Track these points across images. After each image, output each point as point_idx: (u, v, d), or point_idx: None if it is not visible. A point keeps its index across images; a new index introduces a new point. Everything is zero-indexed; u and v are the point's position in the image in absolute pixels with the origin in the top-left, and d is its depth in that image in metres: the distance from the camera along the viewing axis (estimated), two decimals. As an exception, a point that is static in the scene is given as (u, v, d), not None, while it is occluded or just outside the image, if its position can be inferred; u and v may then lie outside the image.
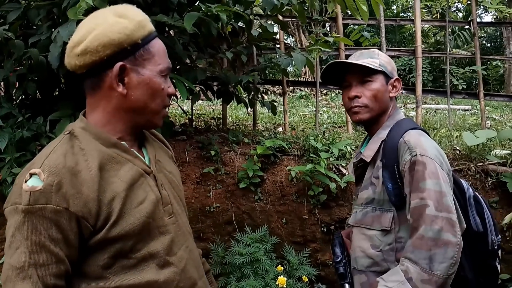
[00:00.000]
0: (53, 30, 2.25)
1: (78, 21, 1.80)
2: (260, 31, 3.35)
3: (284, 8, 2.83)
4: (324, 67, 1.55)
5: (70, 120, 2.30)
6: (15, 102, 2.71)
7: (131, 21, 1.02)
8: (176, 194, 1.18)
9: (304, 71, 9.41)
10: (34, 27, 2.56)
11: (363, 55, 1.51)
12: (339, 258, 1.56)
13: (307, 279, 2.58)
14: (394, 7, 14.48)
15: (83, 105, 2.39)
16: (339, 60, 1.52)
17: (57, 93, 2.79)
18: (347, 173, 2.89)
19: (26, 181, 0.94)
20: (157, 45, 1.08)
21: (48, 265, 0.93)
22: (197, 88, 3.08)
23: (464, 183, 1.49)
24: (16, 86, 2.55)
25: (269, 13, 2.98)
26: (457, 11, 14.65)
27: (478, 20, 4.20)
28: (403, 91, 4.31)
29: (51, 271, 0.93)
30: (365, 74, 1.46)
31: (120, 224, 0.99)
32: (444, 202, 1.28)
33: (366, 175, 1.51)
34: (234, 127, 3.88)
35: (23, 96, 2.72)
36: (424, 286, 1.22)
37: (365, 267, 1.43)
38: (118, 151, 1.05)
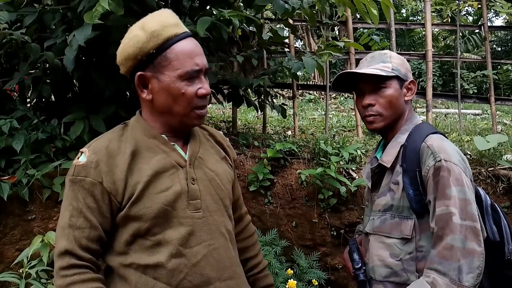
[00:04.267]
0: (67, 34, 2.29)
1: (94, 25, 1.85)
2: (271, 34, 3.37)
3: (295, 12, 2.85)
4: (335, 77, 1.49)
5: (83, 123, 2.33)
6: (29, 105, 2.75)
7: (145, 33, 1.09)
8: (215, 193, 1.22)
9: (313, 74, 9.42)
10: (47, 30, 2.60)
11: (375, 59, 1.45)
12: (359, 265, 1.48)
13: (317, 283, 2.58)
14: (403, 10, 14.43)
15: (96, 107, 2.45)
16: (349, 70, 1.46)
17: (70, 95, 2.83)
18: (357, 177, 2.89)
19: (78, 158, 1.13)
20: (177, 49, 1.10)
21: (83, 228, 1.09)
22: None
23: (481, 190, 1.44)
24: (31, 89, 2.60)
25: (279, 17, 3.00)
26: (467, 15, 14.57)
27: (489, 24, 4.18)
28: (413, 95, 4.29)
29: (85, 234, 1.09)
30: (378, 81, 1.40)
31: (138, 205, 1.10)
32: (469, 211, 1.23)
33: (383, 181, 1.44)
34: (244, 130, 3.90)
35: (37, 99, 2.76)
36: None
37: (383, 277, 1.38)
38: (157, 142, 1.17)
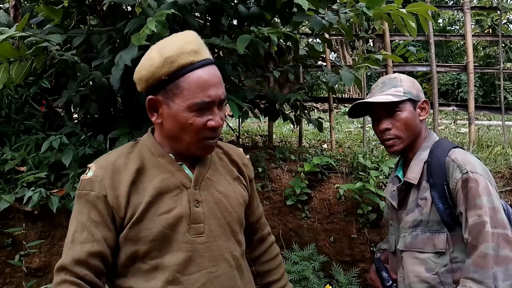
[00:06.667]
0: (113, 54, 2.40)
1: (140, 46, 1.93)
2: (307, 49, 3.39)
3: (332, 27, 2.86)
4: (350, 107, 1.57)
5: (128, 138, 2.41)
6: (76, 121, 2.88)
7: (160, 57, 1.04)
8: (221, 216, 1.15)
9: (348, 87, 9.35)
10: (94, 50, 2.73)
11: (386, 85, 1.51)
12: (390, 282, 1.53)
13: (356, 300, 2.54)
14: (440, 20, 14.12)
15: (139, 123, 2.53)
16: (363, 100, 1.53)
17: (113, 112, 2.94)
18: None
19: (86, 173, 1.13)
20: (190, 79, 1.04)
21: (86, 243, 1.06)
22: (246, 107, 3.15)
23: (502, 201, 1.46)
24: (78, 106, 2.72)
25: (317, 32, 3.02)
26: (508, 23, 14.08)
27: (533, 33, 4.03)
28: (454, 108, 4.18)
29: (87, 248, 1.05)
30: (392, 106, 1.46)
31: (139, 226, 1.07)
32: (499, 218, 1.28)
33: (410, 197, 1.48)
34: (280, 144, 3.91)
35: (83, 115, 2.88)
36: None
37: None
38: (163, 161, 1.14)
